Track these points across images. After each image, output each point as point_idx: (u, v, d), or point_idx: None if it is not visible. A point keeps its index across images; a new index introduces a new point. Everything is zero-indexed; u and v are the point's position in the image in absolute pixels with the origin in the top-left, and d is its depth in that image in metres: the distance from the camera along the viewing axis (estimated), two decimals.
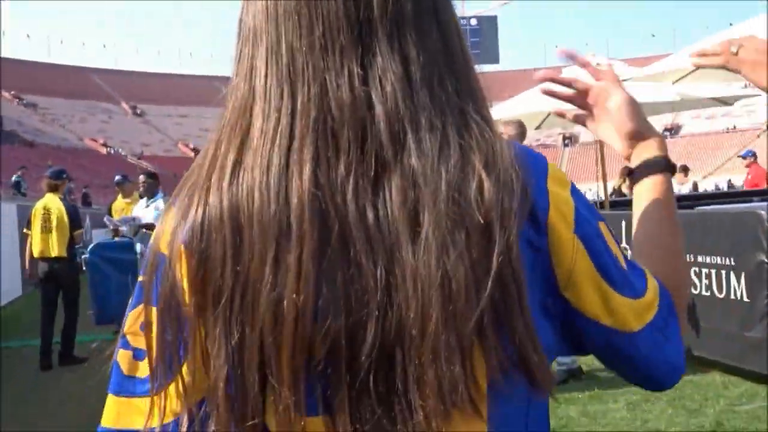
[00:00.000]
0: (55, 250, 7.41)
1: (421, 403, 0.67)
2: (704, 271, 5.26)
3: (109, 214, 9.91)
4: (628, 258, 0.81)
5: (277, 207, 0.68)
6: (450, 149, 0.69)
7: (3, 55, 70.14)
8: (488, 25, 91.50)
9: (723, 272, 5.10)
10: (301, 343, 0.67)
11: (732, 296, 5.02)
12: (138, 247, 8.09)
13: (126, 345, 0.77)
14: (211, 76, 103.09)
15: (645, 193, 0.93)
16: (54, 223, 7.40)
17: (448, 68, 0.74)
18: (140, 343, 0.75)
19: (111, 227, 9.02)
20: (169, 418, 0.73)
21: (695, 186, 25.53)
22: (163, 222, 0.77)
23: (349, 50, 0.71)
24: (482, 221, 0.67)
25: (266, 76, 0.73)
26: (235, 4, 0.81)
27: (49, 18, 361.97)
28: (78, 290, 7.63)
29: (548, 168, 0.77)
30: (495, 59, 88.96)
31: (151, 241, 0.77)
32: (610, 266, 0.77)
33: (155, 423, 0.72)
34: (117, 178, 10.30)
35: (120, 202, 10.05)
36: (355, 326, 0.67)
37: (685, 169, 14.78)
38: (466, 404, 0.67)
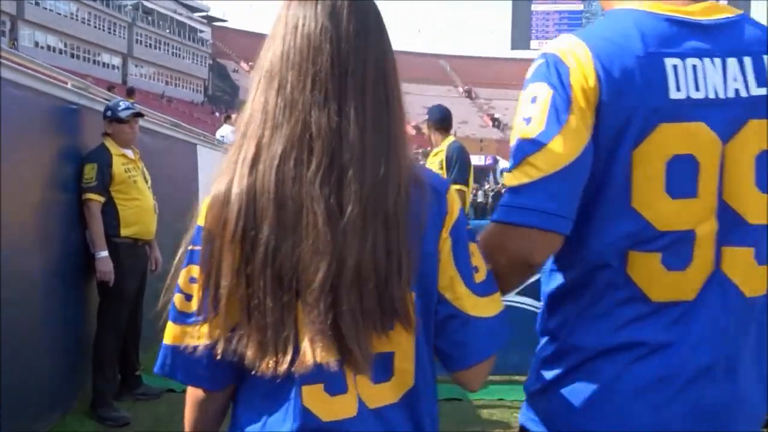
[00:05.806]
0: None
1: (353, 323, 1.07)
2: None
3: None
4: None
5: (274, 190, 1.08)
6: (380, 172, 1.09)
7: (246, 29, 72.73)
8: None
9: None
10: (279, 271, 1.07)
11: None
12: None
13: (179, 291, 1.17)
14: (437, 54, 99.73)
15: None
16: None
17: (388, 119, 1.14)
18: (189, 290, 1.15)
19: None
20: (210, 339, 1.13)
21: None
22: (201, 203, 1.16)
23: (331, 94, 1.10)
24: (392, 214, 1.09)
25: (275, 105, 1.12)
26: None
27: None
28: None
29: (450, 187, 1.21)
30: None
31: (196, 218, 1.16)
32: (463, 265, 1.17)
33: (202, 341, 1.13)
34: None
35: None
36: (316, 264, 1.06)
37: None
38: (386, 323, 1.09)
